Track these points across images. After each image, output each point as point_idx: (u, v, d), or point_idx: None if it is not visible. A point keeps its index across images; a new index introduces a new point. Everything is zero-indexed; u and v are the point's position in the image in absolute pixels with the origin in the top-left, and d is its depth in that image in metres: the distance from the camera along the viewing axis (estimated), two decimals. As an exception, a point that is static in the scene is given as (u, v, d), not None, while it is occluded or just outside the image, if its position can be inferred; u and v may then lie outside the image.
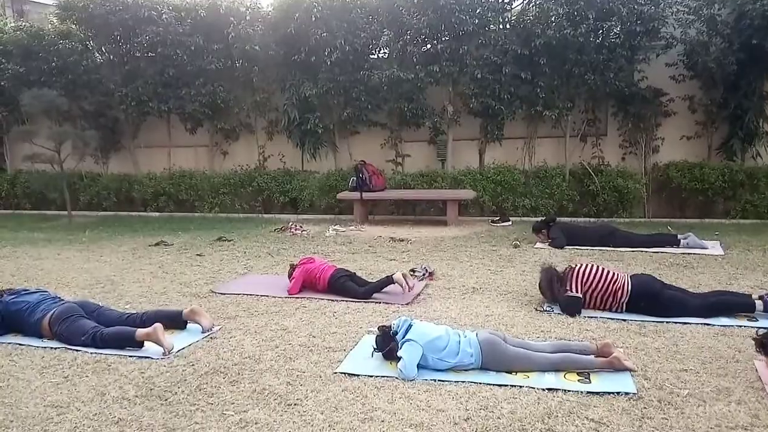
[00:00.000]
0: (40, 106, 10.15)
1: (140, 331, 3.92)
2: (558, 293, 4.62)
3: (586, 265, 4.67)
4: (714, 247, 6.68)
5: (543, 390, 3.23)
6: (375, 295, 5.06)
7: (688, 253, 6.46)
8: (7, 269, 6.62)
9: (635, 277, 4.65)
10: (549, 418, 2.94)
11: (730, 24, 8.21)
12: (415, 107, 9.73)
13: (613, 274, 4.58)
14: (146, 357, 3.82)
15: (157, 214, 11.26)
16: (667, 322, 4.28)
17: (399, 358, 3.51)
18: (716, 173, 8.62)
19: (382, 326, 3.74)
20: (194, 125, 11.28)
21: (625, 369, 3.42)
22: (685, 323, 4.25)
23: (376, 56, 9.82)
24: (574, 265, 4.72)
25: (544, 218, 7.69)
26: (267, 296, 5.22)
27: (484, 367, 3.49)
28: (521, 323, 4.36)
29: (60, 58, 10.73)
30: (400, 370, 3.43)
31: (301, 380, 3.44)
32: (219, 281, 5.84)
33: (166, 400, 3.22)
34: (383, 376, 3.45)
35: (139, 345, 3.93)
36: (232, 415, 3.03)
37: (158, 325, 3.91)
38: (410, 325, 3.60)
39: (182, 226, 9.58)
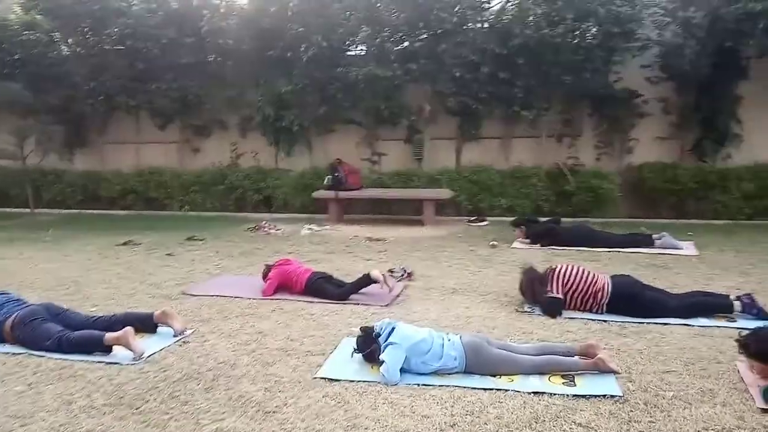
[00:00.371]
0: (3, 100, 9.77)
1: (109, 335, 3.74)
2: (539, 294, 4.58)
3: (567, 266, 4.63)
4: (688, 248, 6.74)
5: (528, 393, 3.16)
6: (353, 296, 4.95)
7: (664, 254, 6.50)
8: (-34, 269, 6.33)
9: (615, 278, 4.63)
10: (536, 422, 2.87)
11: (704, 27, 8.30)
12: (392, 105, 9.64)
13: (594, 275, 4.55)
14: (115, 363, 3.64)
15: (125, 212, 10.96)
16: (647, 323, 4.26)
17: (380, 361, 3.41)
18: (689, 174, 8.73)
19: (365, 327, 3.63)
20: (164, 121, 11.01)
21: (610, 371, 3.38)
22: (665, 324, 4.24)
23: (353, 53, 9.68)
24: (554, 266, 4.68)
25: (526, 217, 7.70)
26: (241, 298, 5.06)
27: (468, 371, 3.41)
28: (502, 324, 4.29)
29: (24, 50, 10.37)
30: (383, 374, 3.32)
31: (280, 386, 3.31)
32: (190, 282, 5.66)
33: (137, 408, 3.06)
34: (365, 381, 3.34)
35: (108, 350, 3.75)
36: (208, 424, 2.89)
37: (128, 329, 3.73)
38: (393, 328, 3.50)
39: (151, 224, 9.32)
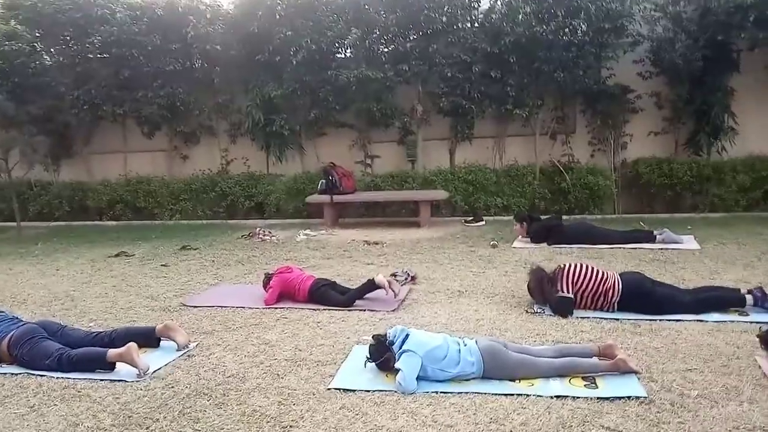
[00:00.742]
0: (-15, 112, 9.55)
1: (112, 352, 3.60)
2: (548, 294, 4.50)
3: (576, 265, 4.56)
4: (689, 242, 6.71)
5: (551, 398, 3.08)
6: (359, 302, 4.84)
7: (666, 248, 6.46)
8: (-46, 287, 6.13)
9: (625, 275, 4.57)
10: (563, 428, 2.79)
11: (695, 20, 8.31)
12: (384, 107, 9.53)
13: (603, 273, 4.49)
14: (119, 380, 3.50)
15: (114, 222, 10.75)
16: (660, 320, 4.21)
17: (395, 369, 3.31)
18: (684, 168, 8.73)
19: (377, 335, 3.53)
20: (151, 129, 10.81)
21: (631, 371, 3.31)
22: (679, 320, 4.19)
23: (343, 55, 9.57)
24: (563, 266, 4.61)
25: (527, 213, 7.64)
26: (243, 308, 4.93)
27: (486, 376, 3.32)
28: (514, 327, 4.21)
29: (5, 61, 10.11)
30: (399, 383, 3.22)
31: (293, 399, 3.20)
32: (189, 293, 5.52)
33: (147, 428, 2.93)
34: (381, 391, 3.24)
35: (111, 367, 3.61)
36: (224, 443, 2.77)
37: (132, 345, 3.59)
38: (407, 335, 3.40)
39: (142, 235, 9.14)
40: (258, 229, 8.77)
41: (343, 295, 4.93)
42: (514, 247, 7.02)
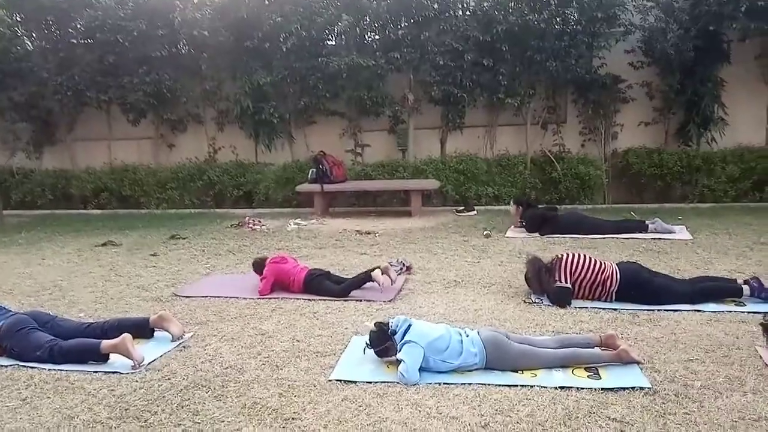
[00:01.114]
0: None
1: (106, 343, 3.51)
2: (546, 284, 4.49)
3: (573, 255, 4.55)
4: (681, 232, 6.74)
5: (555, 389, 3.06)
6: (355, 292, 4.78)
7: (658, 238, 6.48)
8: (-63, 277, 5.97)
9: (622, 265, 4.56)
10: (570, 419, 2.76)
11: (686, 10, 8.32)
12: (375, 95, 9.44)
13: (601, 263, 4.48)
14: (114, 372, 3.42)
15: (99, 211, 10.56)
16: (658, 310, 4.21)
17: (395, 359, 3.28)
18: (674, 158, 8.76)
19: (379, 323, 3.47)
20: (137, 116, 10.59)
21: (633, 361, 3.30)
22: (676, 310, 4.19)
23: (333, 43, 9.44)
24: (560, 256, 4.59)
25: (528, 198, 7.70)
26: (237, 298, 4.86)
27: (488, 367, 3.29)
28: (513, 317, 4.19)
29: (-15, 46, 9.87)
30: (402, 374, 3.18)
31: (294, 391, 3.14)
32: (180, 283, 5.42)
33: (145, 421, 2.86)
34: (383, 382, 3.20)
35: (104, 358, 3.53)
36: (225, 436, 2.71)
37: (127, 336, 3.51)
38: (410, 325, 3.35)
39: (129, 224, 8.98)
40: (247, 218, 8.66)
41: (338, 285, 4.88)
42: (507, 237, 7.00)
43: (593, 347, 3.45)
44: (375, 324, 3.47)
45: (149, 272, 5.89)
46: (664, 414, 2.79)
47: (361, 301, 4.66)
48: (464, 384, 3.14)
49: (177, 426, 2.81)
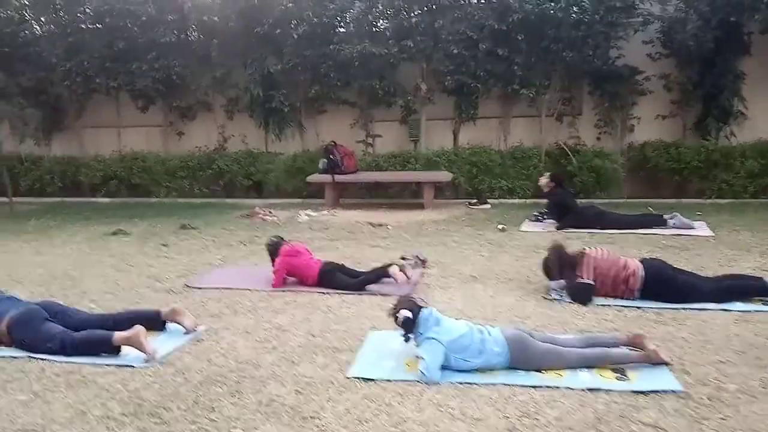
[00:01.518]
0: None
1: (118, 335, 3.42)
2: (567, 276, 4.36)
3: (599, 250, 4.42)
4: (701, 228, 6.60)
5: (583, 390, 2.94)
6: (370, 286, 4.68)
7: (679, 234, 6.34)
8: (-54, 265, 5.90)
9: (647, 262, 4.43)
10: (600, 423, 2.65)
11: (707, 1, 8.12)
12: (387, 85, 9.32)
13: (625, 260, 4.35)
14: (127, 365, 3.33)
15: (108, 199, 10.51)
16: (683, 308, 4.09)
17: (414, 356, 3.17)
18: (692, 153, 8.60)
19: (412, 307, 3.31)
20: (146, 103, 10.52)
21: (662, 362, 3.18)
22: (702, 309, 4.07)
23: (345, 30, 9.27)
24: (585, 249, 4.45)
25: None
26: (250, 290, 4.77)
27: (512, 366, 3.18)
28: (534, 314, 4.07)
29: (-7, 29, 9.79)
30: (423, 373, 3.07)
31: (312, 388, 3.04)
32: (192, 274, 5.33)
33: (160, 418, 2.77)
34: (404, 381, 3.09)
35: (117, 350, 3.44)
36: (243, 434, 2.62)
37: (140, 328, 3.42)
38: (438, 320, 3.24)
39: (138, 212, 8.92)
40: (258, 208, 8.56)
41: (352, 278, 4.78)
42: (522, 231, 6.89)
43: (620, 346, 3.34)
44: (404, 303, 3.34)
45: (160, 262, 5.81)
46: (699, 419, 2.67)
47: (376, 295, 4.56)
48: (488, 384, 3.03)
49: (193, 423, 2.72)
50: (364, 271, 4.93)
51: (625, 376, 3.10)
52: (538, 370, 3.16)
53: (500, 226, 7.02)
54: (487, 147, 9.44)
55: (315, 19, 9.03)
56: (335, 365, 3.31)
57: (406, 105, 9.65)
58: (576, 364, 3.18)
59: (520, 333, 3.27)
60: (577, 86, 9.39)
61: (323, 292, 4.65)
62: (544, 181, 7.15)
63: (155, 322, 3.83)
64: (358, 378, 3.13)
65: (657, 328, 3.77)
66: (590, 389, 2.95)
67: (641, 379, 3.05)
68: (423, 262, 5.40)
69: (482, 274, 5.10)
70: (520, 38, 8.66)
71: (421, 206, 8.71)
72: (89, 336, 3.51)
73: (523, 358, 3.19)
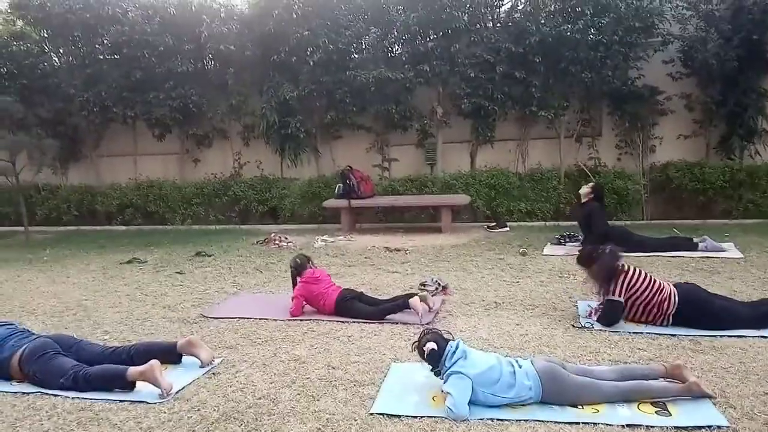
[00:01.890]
0: (-7, 114, 9.30)
1: (133, 370, 3.30)
2: (602, 288, 4.18)
3: (635, 270, 4.22)
4: (730, 250, 6.37)
5: (622, 427, 2.76)
6: (389, 315, 4.53)
7: (707, 257, 6.13)
8: (-40, 296, 5.85)
9: (680, 286, 4.24)
10: (644, 463, 2.47)
11: (727, 19, 8.00)
12: (403, 109, 9.25)
13: (660, 283, 4.17)
14: (141, 401, 3.21)
15: (124, 227, 10.49)
16: (720, 335, 3.89)
17: (441, 390, 3.01)
18: (717, 172, 8.38)
19: (435, 331, 3.23)
20: (163, 131, 10.54)
21: (705, 395, 2.99)
22: (741, 336, 3.87)
23: (361, 56, 9.25)
24: (623, 266, 4.23)
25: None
26: (267, 319, 4.64)
27: (544, 401, 3.00)
28: (563, 343, 3.89)
29: (13, 62, 9.93)
30: (450, 409, 2.91)
31: (333, 425, 2.89)
32: (208, 303, 5.22)
33: (174, 459, 2.63)
34: (430, 417, 2.93)
35: (131, 386, 3.32)
36: (263, 479, 2.47)
37: (155, 362, 3.30)
38: (465, 353, 3.09)
39: (154, 240, 8.87)
40: (273, 234, 8.47)
41: (370, 306, 4.63)
42: (544, 255, 6.70)
43: (657, 377, 3.15)
44: (427, 336, 3.21)
45: (175, 291, 5.71)
46: (750, 458, 2.48)
47: (397, 323, 4.40)
48: (519, 420, 2.86)
49: (209, 465, 2.58)
50: (383, 299, 4.80)
51: (666, 410, 2.92)
52: (573, 405, 2.99)
53: (521, 250, 6.84)
54: (505, 169, 9.30)
55: (331, 46, 9.02)
56: (357, 400, 3.16)
57: (422, 129, 9.57)
58: (613, 398, 3.01)
59: (552, 365, 3.10)
60: (596, 107, 9.25)
61: (342, 321, 4.51)
62: (585, 190, 6.91)
63: (171, 354, 3.71)
64: (382, 414, 2.98)
65: (694, 357, 3.58)
66: (629, 425, 2.77)
67: (683, 413, 2.87)
68: (444, 289, 5.25)
69: (506, 301, 4.93)
70: (537, 60, 8.56)
71: (438, 230, 8.56)
72: (103, 371, 3.39)
73: (556, 391, 3.01)
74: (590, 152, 9.18)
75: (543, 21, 8.44)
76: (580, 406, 2.97)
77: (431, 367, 3.17)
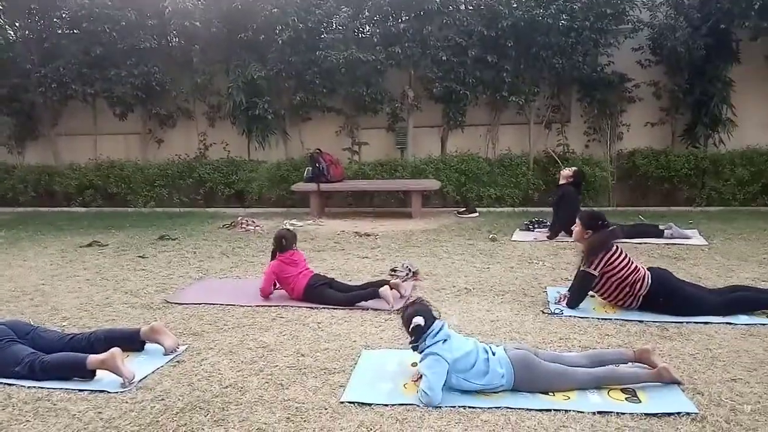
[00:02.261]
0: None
1: (93, 358, 3.17)
2: (585, 260, 4.21)
3: (617, 249, 4.23)
4: (695, 237, 6.49)
5: (593, 414, 2.76)
6: (359, 303, 4.46)
7: (673, 244, 6.23)
8: None
9: (653, 270, 4.28)
10: (615, 451, 2.47)
11: (697, 7, 8.09)
12: (374, 91, 9.12)
13: (636, 265, 4.19)
14: (101, 391, 3.08)
15: (84, 209, 10.16)
16: (686, 322, 3.94)
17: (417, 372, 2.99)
18: (681, 160, 8.52)
19: (426, 305, 3.20)
20: (124, 110, 10.18)
21: (674, 381, 3.02)
22: (707, 323, 3.92)
23: (331, 36, 9.05)
24: (612, 246, 4.24)
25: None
26: (233, 305, 4.52)
27: (516, 388, 2.99)
28: (534, 329, 3.89)
29: (-36, 34, 9.44)
30: (424, 392, 2.87)
31: (303, 414, 2.82)
32: (172, 288, 5.07)
33: (137, 452, 2.53)
34: (401, 405, 2.88)
35: (91, 375, 3.18)
36: (230, 472, 2.39)
37: (116, 350, 3.17)
38: (448, 336, 3.05)
39: (115, 222, 8.61)
40: (240, 218, 8.30)
41: (341, 292, 4.56)
42: (513, 241, 6.72)
43: (626, 362, 3.17)
44: (414, 306, 3.19)
45: (137, 276, 5.53)
46: (719, 445, 2.51)
47: (368, 310, 4.35)
48: (492, 408, 2.83)
49: (173, 458, 2.48)
50: (354, 285, 4.73)
51: (636, 397, 2.93)
52: (545, 392, 2.98)
53: (491, 236, 6.85)
54: (475, 155, 9.29)
55: (300, 25, 8.82)
56: (327, 388, 3.09)
57: (393, 112, 9.47)
58: (585, 385, 3.01)
59: (525, 353, 3.08)
60: (566, 93, 9.29)
61: (311, 307, 4.43)
62: (566, 172, 6.97)
63: (133, 341, 3.58)
64: (352, 402, 2.92)
65: (662, 344, 3.61)
66: (600, 412, 2.77)
67: (653, 400, 2.89)
68: (414, 274, 5.21)
69: (476, 287, 4.91)
70: (509, 45, 8.52)
71: (408, 215, 8.52)
72: (61, 359, 3.25)
73: (528, 379, 3.00)
74: (559, 139, 9.23)
75: (515, 5, 8.42)
76: (552, 393, 2.96)
77: (410, 340, 3.12)
